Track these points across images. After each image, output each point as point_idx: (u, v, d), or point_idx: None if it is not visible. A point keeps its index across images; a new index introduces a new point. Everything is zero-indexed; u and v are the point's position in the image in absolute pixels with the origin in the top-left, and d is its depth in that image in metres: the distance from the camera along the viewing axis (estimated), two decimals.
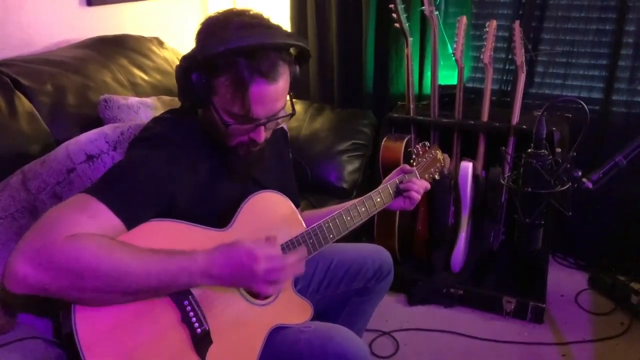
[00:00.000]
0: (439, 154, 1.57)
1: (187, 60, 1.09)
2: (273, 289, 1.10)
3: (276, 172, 1.38)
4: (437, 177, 1.55)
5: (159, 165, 1.07)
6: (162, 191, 1.05)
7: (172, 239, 1.06)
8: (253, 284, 1.06)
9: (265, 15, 1.14)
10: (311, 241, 1.25)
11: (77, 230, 0.91)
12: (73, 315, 0.94)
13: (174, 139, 1.12)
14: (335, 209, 1.35)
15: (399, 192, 1.43)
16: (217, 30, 1.08)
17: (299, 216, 1.30)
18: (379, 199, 1.40)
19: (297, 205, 1.34)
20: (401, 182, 1.43)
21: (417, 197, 1.42)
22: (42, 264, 0.88)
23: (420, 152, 1.52)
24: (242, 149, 1.18)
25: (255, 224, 1.19)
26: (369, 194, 1.39)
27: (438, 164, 1.56)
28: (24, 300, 1.18)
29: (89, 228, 0.93)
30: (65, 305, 0.96)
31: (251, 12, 1.12)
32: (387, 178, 1.47)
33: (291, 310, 1.26)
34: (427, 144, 1.55)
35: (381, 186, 1.43)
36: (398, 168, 1.48)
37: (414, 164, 1.49)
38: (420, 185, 1.43)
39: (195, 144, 1.15)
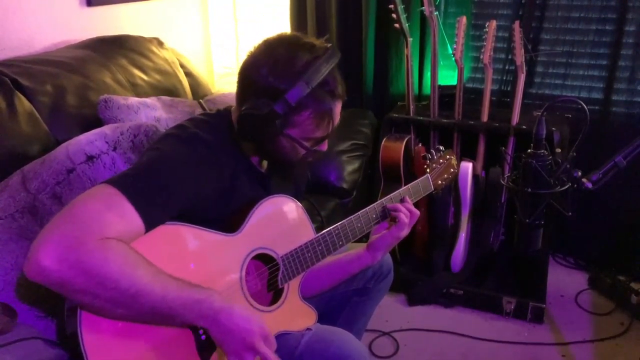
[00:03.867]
0: (454, 160, 1.51)
1: (259, 106, 1.09)
2: None
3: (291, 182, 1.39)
4: (450, 183, 1.49)
5: (188, 166, 1.07)
6: (186, 193, 1.05)
7: (182, 242, 1.06)
8: (238, 350, 1.00)
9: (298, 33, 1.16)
10: (320, 248, 1.25)
11: (107, 230, 0.92)
12: (79, 316, 0.94)
13: (206, 141, 1.12)
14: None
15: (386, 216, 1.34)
16: (287, 70, 1.09)
17: (310, 223, 1.28)
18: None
19: None
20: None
21: (405, 221, 1.31)
22: (69, 262, 0.88)
23: (435, 157, 1.48)
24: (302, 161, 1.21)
25: (265, 230, 1.19)
26: (380, 200, 1.35)
27: (452, 170, 1.50)
28: (31, 299, 1.19)
29: (117, 228, 0.93)
30: (69, 305, 0.96)
31: (293, 35, 1.16)
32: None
33: (296, 316, 1.25)
34: (442, 148, 1.50)
35: (394, 193, 1.38)
36: None
37: (428, 169, 1.45)
38: (412, 213, 1.33)
39: (225, 148, 1.15)
